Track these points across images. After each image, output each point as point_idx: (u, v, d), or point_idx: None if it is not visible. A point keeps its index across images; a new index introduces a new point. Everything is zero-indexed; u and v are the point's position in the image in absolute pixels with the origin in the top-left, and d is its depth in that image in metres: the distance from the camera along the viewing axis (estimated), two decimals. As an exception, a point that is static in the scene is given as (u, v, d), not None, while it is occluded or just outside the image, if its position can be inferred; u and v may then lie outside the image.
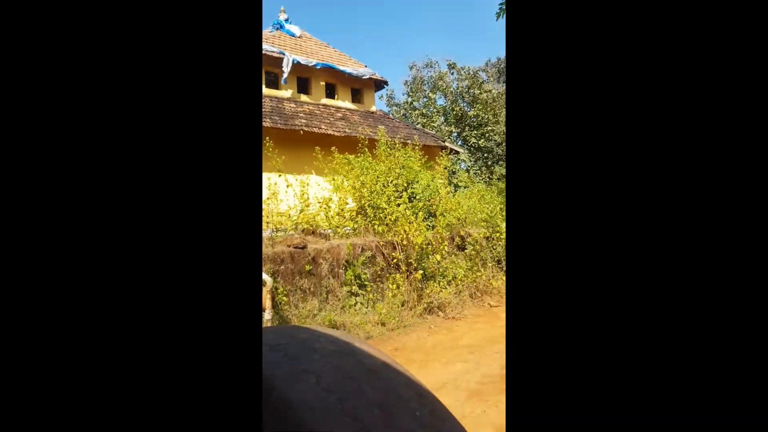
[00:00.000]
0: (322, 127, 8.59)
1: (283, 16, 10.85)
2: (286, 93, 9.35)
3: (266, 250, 3.55)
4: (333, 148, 5.77)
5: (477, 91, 15.43)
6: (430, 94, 16.89)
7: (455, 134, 15.97)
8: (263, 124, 7.26)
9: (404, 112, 16.94)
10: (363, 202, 4.91)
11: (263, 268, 3.42)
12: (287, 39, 10.17)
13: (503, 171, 13.38)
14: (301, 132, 8.00)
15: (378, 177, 5.03)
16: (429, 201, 5.17)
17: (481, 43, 36.68)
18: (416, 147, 6.29)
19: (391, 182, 5.11)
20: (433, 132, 13.00)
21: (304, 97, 9.61)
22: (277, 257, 3.55)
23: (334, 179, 5.29)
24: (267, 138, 5.25)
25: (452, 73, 16.74)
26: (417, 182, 5.37)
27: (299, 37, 10.53)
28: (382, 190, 4.87)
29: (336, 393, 0.55)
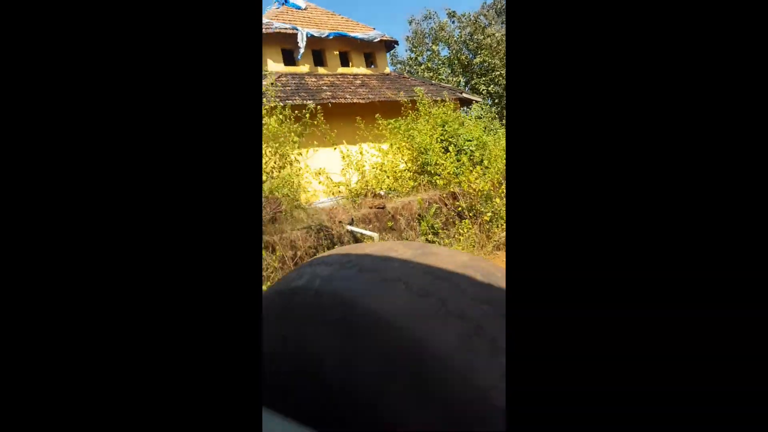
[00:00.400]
0: (347, 96, 8.87)
1: (286, -10, 10.86)
2: (303, 68, 9.56)
3: (354, 212, 4.04)
4: (377, 114, 6.14)
5: (480, 37, 15.33)
6: (433, 47, 16.80)
7: (463, 83, 16.01)
8: (293, 101, 7.57)
9: (409, 68, 16.92)
10: (420, 161, 5.34)
11: (366, 227, 3.91)
12: (295, 13, 10.25)
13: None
14: (329, 105, 8.31)
15: (427, 136, 5.43)
16: (475, 151, 5.58)
17: None
18: (446, 102, 6.63)
19: (437, 139, 5.51)
20: (449, 85, 13.11)
21: (321, 70, 9.81)
22: (365, 218, 4.04)
23: (386, 147, 5.70)
24: (319, 113, 5.61)
25: (453, 22, 16.58)
26: (459, 136, 5.76)
27: (305, 9, 10.59)
28: (432, 148, 5.30)
29: (433, 295, 0.51)
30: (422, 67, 16.39)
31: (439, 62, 16.51)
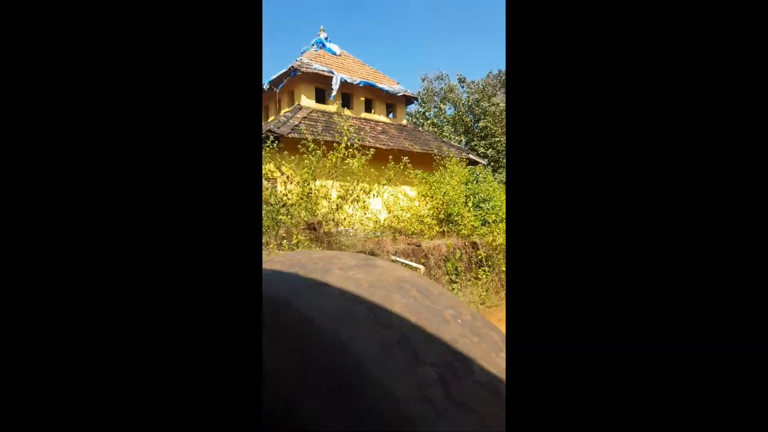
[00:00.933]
0: (369, 140, 9.65)
1: (323, 35, 11.84)
2: (332, 108, 10.37)
3: (393, 246, 4.66)
4: (406, 159, 6.90)
5: (486, 104, 16.74)
6: (441, 105, 18.14)
7: (464, 142, 17.24)
8: (322, 137, 8.28)
9: (415, 120, 18.11)
10: (446, 210, 6.08)
11: (411, 260, 4.51)
12: (330, 57, 11.18)
13: (503, 178, 14.65)
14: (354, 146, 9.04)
15: (454, 190, 6.22)
16: (492, 210, 6.37)
17: (484, 54, 38.22)
18: (462, 162, 7.49)
19: (461, 194, 6.30)
20: (457, 145, 14.19)
21: (347, 112, 10.63)
22: (404, 251, 4.66)
23: (412, 195, 6.41)
24: (369, 152, 6.27)
25: (462, 86, 18.02)
26: (477, 194, 6.56)
27: (339, 56, 11.57)
28: (458, 201, 6.07)
29: (364, 303, 0.52)
30: (428, 122, 17.60)
31: (444, 120, 17.78)
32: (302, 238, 4.32)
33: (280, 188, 7.23)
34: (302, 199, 5.09)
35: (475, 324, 0.55)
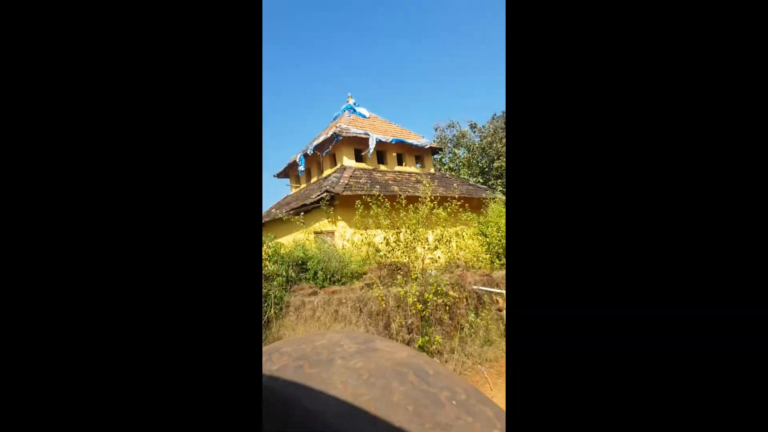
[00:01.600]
0: (409, 190, 10.78)
1: (351, 101, 13.32)
2: (369, 165, 11.60)
3: (473, 278, 5.61)
4: (454, 202, 7.94)
5: (499, 146, 18.05)
6: (455, 150, 19.50)
7: (481, 183, 18.40)
8: (372, 192, 9.39)
9: (433, 167, 19.42)
10: (501, 244, 7.06)
11: (494, 287, 5.42)
12: (362, 120, 12.56)
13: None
14: (398, 196, 10.16)
15: (497, 230, 7.23)
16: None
17: (487, 95, 40.40)
18: (496, 201, 8.55)
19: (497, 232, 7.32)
20: (485, 187, 15.35)
21: (382, 167, 11.85)
22: (478, 281, 5.59)
23: (457, 235, 7.40)
24: (451, 203, 7.30)
25: (473, 132, 19.45)
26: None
27: (368, 118, 12.96)
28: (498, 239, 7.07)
29: (365, 395, 0.55)
30: (445, 167, 18.89)
31: (460, 163, 19.06)
32: (400, 278, 5.26)
33: (338, 241, 8.23)
34: (395, 246, 6.05)
35: (470, 402, 0.56)
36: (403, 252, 5.93)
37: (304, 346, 0.67)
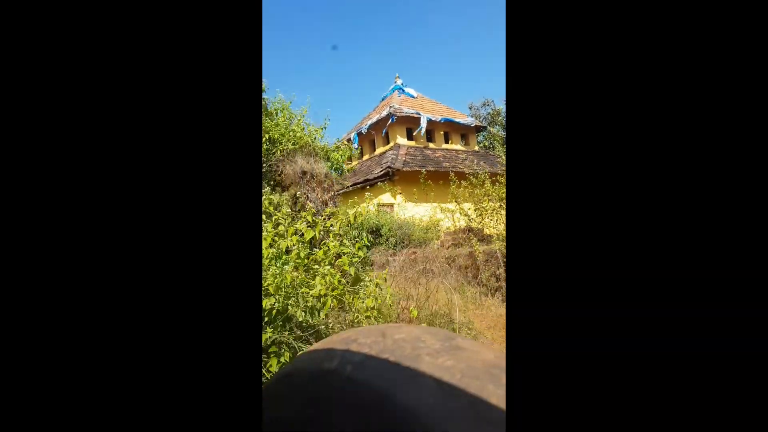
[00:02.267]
0: (459, 167, 11.48)
1: (399, 81, 13.93)
2: (420, 143, 12.32)
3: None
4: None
5: (534, 124, 18.48)
6: (490, 128, 19.97)
7: (516, 161, 18.86)
8: (424, 168, 10.13)
9: (477, 144, 19.97)
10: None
11: None
12: (411, 101, 13.20)
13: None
14: (450, 173, 10.90)
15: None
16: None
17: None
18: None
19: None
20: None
21: (431, 145, 12.55)
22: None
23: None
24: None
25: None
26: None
27: (416, 98, 13.59)
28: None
29: (462, 397, 0.52)
30: (480, 144, 19.44)
31: (494, 140, 19.57)
32: (475, 241, 6.04)
33: (399, 211, 9.02)
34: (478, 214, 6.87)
35: None
36: (485, 218, 6.73)
37: (382, 339, 0.67)
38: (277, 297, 2.09)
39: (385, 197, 10.32)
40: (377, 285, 2.69)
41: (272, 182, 3.34)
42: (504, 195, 6.78)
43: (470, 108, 21.16)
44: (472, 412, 0.49)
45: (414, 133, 12.15)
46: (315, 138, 4.68)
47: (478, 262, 5.48)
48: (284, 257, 2.34)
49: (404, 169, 10.13)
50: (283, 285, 2.14)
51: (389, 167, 9.98)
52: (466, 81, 41.64)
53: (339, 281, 2.39)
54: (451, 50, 42.01)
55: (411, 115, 12.02)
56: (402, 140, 12.04)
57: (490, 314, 4.46)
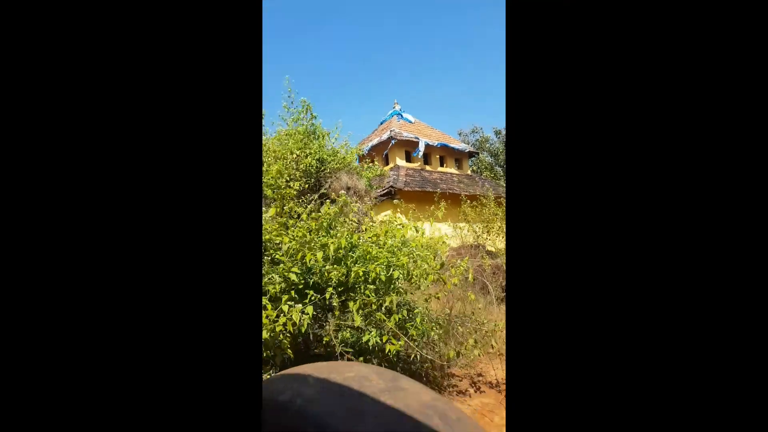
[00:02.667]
0: (454, 188, 12.17)
1: (398, 107, 14.68)
2: (417, 165, 12.99)
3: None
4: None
5: (521, 152, 19.54)
6: (480, 155, 20.92)
7: (504, 184, 19.85)
8: (424, 189, 10.76)
9: (469, 168, 20.85)
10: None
11: None
12: (409, 125, 13.94)
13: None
14: (446, 194, 11.57)
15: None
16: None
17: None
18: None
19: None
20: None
21: (428, 167, 13.25)
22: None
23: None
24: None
25: (497, 137, 20.89)
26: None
27: (413, 123, 14.34)
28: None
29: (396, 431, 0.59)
30: (470, 169, 20.35)
31: (482, 167, 20.49)
32: (483, 254, 6.62)
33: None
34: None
35: None
36: (491, 234, 7.36)
37: (334, 376, 0.70)
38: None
39: (381, 215, 10.84)
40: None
41: (324, 196, 3.86)
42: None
43: (460, 134, 22.12)
44: None
45: (412, 156, 12.83)
46: (353, 158, 5.29)
47: (486, 273, 6.04)
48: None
49: (405, 188, 10.73)
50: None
51: (391, 187, 10.57)
52: (457, 110, 43.17)
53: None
54: (443, 81, 43.67)
55: (410, 139, 12.72)
56: (401, 162, 12.70)
57: (502, 318, 5.00)
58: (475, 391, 3.12)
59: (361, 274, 2.53)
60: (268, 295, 2.32)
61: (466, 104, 42.69)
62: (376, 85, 47.11)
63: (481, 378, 3.40)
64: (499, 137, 20.78)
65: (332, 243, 2.48)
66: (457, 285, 3.03)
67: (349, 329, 2.48)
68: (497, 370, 3.38)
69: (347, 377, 0.70)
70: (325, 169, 4.55)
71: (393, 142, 12.40)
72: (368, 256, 2.63)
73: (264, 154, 4.58)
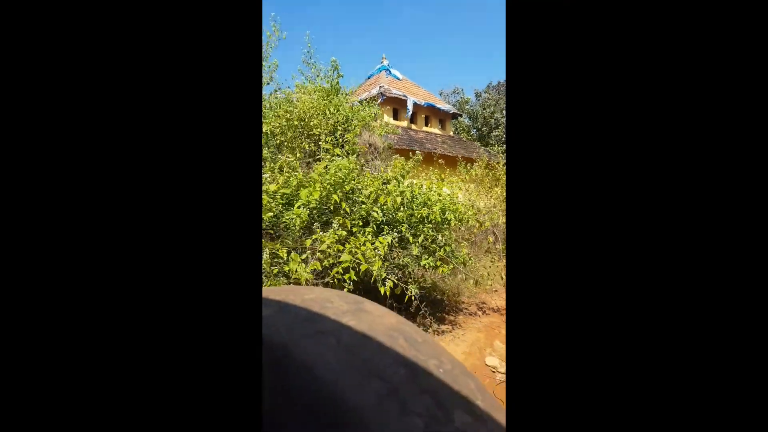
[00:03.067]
0: (438, 150, 12.76)
1: (386, 62, 14.80)
2: (403, 124, 13.42)
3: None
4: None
5: (499, 116, 20.15)
6: (459, 118, 21.44)
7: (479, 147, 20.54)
8: (411, 148, 11.30)
9: (452, 129, 21.27)
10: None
11: None
12: (397, 82, 14.17)
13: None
14: (434, 154, 12.15)
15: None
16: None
17: (484, 61, 41.71)
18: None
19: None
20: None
21: (414, 126, 13.69)
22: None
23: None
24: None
25: (478, 99, 21.39)
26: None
27: (401, 80, 14.59)
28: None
29: (359, 354, 0.56)
30: (451, 131, 20.88)
31: (461, 129, 21.08)
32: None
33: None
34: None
35: (455, 372, 0.60)
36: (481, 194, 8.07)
37: (292, 297, 0.68)
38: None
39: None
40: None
41: (348, 151, 4.36)
42: (498, 177, 8.16)
43: (441, 94, 22.37)
44: (364, 368, 0.53)
45: (399, 115, 13.23)
46: (372, 116, 5.78)
47: (498, 226, 6.80)
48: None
49: (395, 147, 11.22)
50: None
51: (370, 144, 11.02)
52: (440, 68, 42.81)
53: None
54: (428, 40, 42.89)
55: (398, 96, 13.04)
56: (389, 119, 13.05)
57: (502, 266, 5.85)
58: (482, 314, 3.94)
59: (424, 214, 3.18)
60: (348, 228, 2.95)
61: (450, 63, 42.45)
62: (366, 31, 45.65)
63: (485, 305, 4.22)
64: (479, 99, 21.29)
65: (407, 190, 3.15)
66: (479, 230, 3.86)
67: (407, 257, 3.18)
68: (496, 301, 4.21)
69: (306, 299, 0.68)
70: (348, 126, 5.02)
71: (382, 98, 12.69)
72: (429, 203, 3.31)
73: (290, 104, 4.95)
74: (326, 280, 2.80)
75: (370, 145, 4.93)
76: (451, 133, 15.03)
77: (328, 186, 3.11)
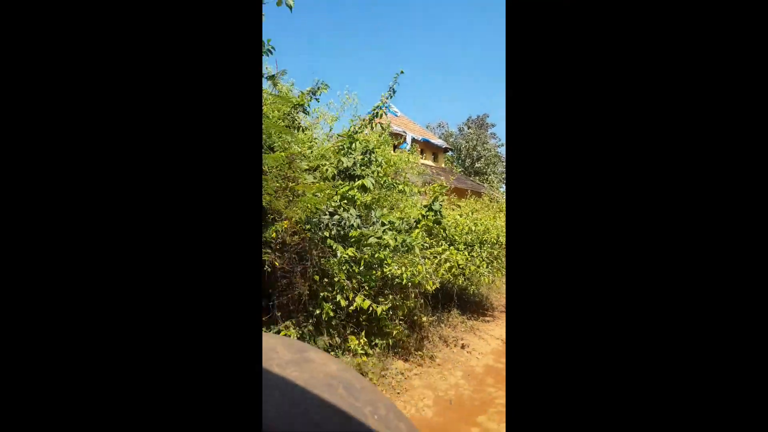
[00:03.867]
0: (435, 180, 14.01)
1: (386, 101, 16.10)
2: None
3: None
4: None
5: (481, 149, 21.78)
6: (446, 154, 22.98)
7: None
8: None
9: (444, 162, 22.66)
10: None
11: None
12: (395, 119, 15.47)
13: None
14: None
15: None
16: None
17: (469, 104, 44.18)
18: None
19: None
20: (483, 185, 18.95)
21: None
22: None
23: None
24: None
25: (460, 133, 23.05)
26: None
27: (398, 117, 15.92)
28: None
29: (301, 405, 0.61)
30: (443, 163, 22.33)
31: (448, 160, 22.58)
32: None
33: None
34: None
35: (388, 417, 0.64)
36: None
37: None
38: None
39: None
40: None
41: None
42: (501, 208, 9.40)
43: (427, 127, 23.95)
44: (305, 420, 0.58)
45: (398, 148, 14.46)
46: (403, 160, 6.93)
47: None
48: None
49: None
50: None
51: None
52: (426, 106, 45.06)
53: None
54: (415, 76, 45.18)
55: (398, 132, 14.32)
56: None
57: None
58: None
59: (487, 238, 4.60)
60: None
61: (436, 100, 44.86)
62: (361, 71, 47.57)
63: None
64: (462, 134, 22.95)
65: (470, 219, 4.37)
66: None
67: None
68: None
69: None
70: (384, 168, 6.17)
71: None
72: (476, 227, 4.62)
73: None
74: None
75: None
76: (443, 165, 16.39)
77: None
